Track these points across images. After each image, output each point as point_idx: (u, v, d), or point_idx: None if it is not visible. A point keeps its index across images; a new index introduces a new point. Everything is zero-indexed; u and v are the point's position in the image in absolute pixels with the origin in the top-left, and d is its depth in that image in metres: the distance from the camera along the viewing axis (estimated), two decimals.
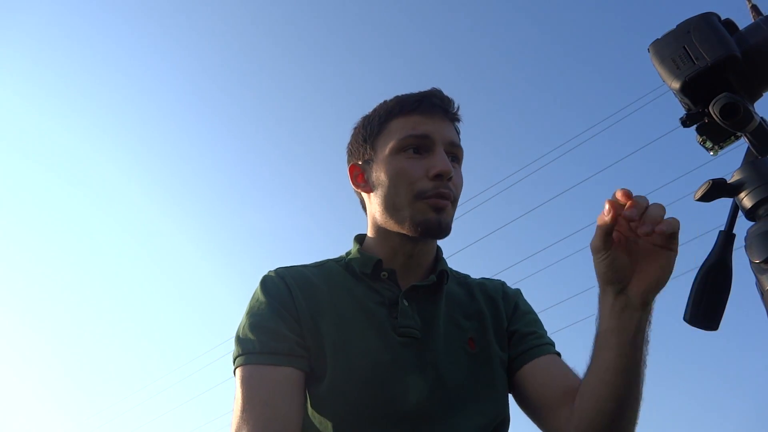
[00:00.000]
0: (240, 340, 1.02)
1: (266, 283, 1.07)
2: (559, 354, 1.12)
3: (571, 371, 1.07)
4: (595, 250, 0.85)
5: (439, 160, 1.04)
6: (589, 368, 0.94)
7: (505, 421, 1.07)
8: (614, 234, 0.84)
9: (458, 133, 1.13)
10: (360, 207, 1.20)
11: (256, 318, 1.02)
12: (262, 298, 1.04)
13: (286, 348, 0.99)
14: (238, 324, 1.05)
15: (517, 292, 1.21)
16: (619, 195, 0.81)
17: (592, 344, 0.94)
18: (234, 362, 1.01)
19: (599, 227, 0.83)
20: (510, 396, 1.11)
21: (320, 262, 1.14)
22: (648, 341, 0.90)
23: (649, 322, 0.89)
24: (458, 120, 1.14)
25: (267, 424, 0.92)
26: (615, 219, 0.81)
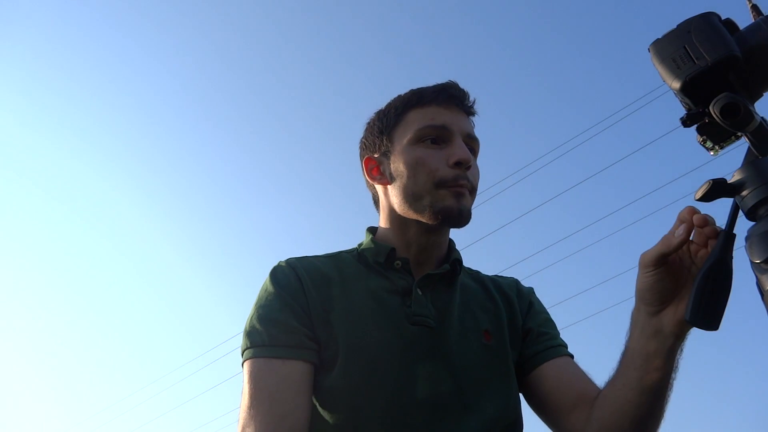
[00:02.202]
0: (248, 333, 1.00)
1: (276, 273, 1.05)
2: (572, 356, 1.12)
3: (585, 375, 1.07)
4: (645, 264, 0.82)
5: (459, 149, 1.04)
6: (613, 382, 0.93)
7: (519, 418, 1.06)
8: (672, 255, 0.80)
9: (473, 126, 1.13)
10: (362, 202, 1.19)
11: (265, 310, 1.01)
12: (271, 288, 1.03)
13: (295, 340, 0.97)
14: (247, 316, 1.03)
15: (531, 290, 1.21)
16: (692, 216, 0.77)
17: (619, 357, 0.92)
18: (242, 355, 0.99)
19: (664, 243, 0.79)
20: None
21: (332, 253, 1.13)
22: (677, 368, 0.87)
23: (681, 350, 0.86)
24: (474, 113, 1.13)
25: (276, 420, 0.91)
26: (685, 242, 0.78)
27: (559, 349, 1.10)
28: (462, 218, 1.04)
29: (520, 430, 1.06)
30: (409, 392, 0.96)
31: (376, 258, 1.08)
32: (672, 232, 0.79)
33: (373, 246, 1.09)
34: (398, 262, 1.07)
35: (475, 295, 1.12)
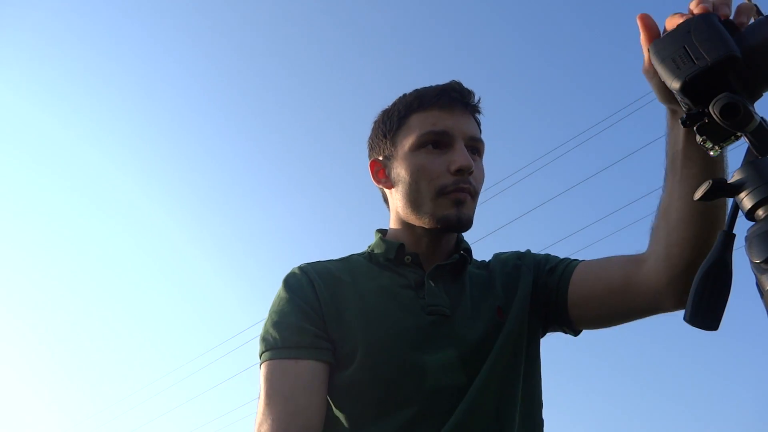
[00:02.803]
0: (263, 338, 1.05)
1: (288, 280, 1.09)
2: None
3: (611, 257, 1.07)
4: (647, 72, 0.83)
5: (460, 155, 1.05)
6: (673, 193, 0.90)
7: (538, 394, 1.08)
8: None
9: (479, 124, 1.13)
10: (381, 201, 1.22)
11: (278, 315, 1.05)
12: (283, 294, 1.07)
13: (308, 341, 1.00)
14: (264, 323, 1.09)
15: (529, 250, 1.22)
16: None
17: (667, 172, 0.90)
18: (259, 358, 1.04)
19: (644, 45, 0.80)
20: (586, 323, 1.09)
21: (344, 257, 1.16)
22: None
23: None
24: (479, 112, 1.13)
25: (288, 418, 0.94)
26: (651, 30, 0.78)
27: (577, 260, 1.11)
28: (461, 226, 1.06)
29: (540, 409, 1.07)
30: (431, 380, 0.98)
31: (386, 255, 1.10)
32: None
33: (383, 245, 1.12)
34: (408, 257, 1.10)
35: (482, 278, 1.14)
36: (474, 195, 1.07)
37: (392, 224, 1.16)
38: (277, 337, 1.02)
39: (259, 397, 1.00)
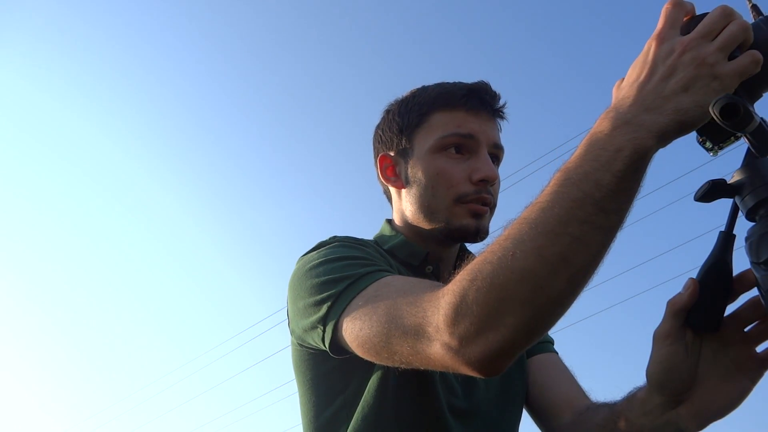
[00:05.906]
0: (327, 283, 0.84)
1: (327, 242, 0.97)
2: (556, 352, 1.11)
3: (571, 377, 1.06)
4: (660, 337, 0.74)
5: (485, 165, 0.98)
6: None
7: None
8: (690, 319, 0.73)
9: (500, 131, 1.07)
10: (382, 196, 1.14)
11: (335, 257, 0.89)
12: (331, 247, 0.94)
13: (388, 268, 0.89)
14: (295, 298, 0.90)
15: None
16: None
17: (618, 413, 0.87)
18: (328, 314, 0.82)
19: (669, 306, 0.73)
20: None
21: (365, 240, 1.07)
22: None
23: None
24: (503, 118, 1.06)
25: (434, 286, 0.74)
26: (695, 298, 0.72)
27: (545, 345, 1.09)
28: (478, 238, 0.99)
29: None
30: (448, 401, 0.93)
31: (409, 260, 1.02)
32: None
33: (406, 247, 1.03)
34: (430, 267, 1.02)
35: None
36: (493, 207, 1.01)
37: (397, 222, 1.08)
38: (356, 266, 0.85)
39: (367, 321, 0.76)
